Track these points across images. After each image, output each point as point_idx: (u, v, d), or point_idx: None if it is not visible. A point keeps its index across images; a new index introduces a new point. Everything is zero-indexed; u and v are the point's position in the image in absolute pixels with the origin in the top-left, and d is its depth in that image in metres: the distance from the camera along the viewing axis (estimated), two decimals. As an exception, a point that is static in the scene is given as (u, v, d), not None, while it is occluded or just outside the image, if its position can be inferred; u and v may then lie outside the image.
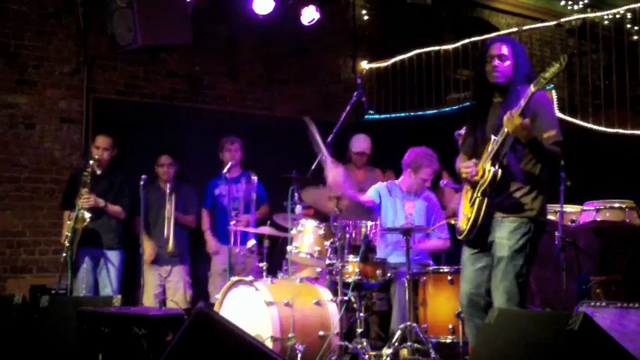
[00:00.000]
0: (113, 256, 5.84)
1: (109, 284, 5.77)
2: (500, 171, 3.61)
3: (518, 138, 3.56)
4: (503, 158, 3.65)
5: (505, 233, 3.67)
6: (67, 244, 5.47)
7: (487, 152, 3.68)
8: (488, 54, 3.77)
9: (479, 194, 3.68)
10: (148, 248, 5.93)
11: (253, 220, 6.00)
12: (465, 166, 3.75)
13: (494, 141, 3.64)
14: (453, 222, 4.94)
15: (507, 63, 3.71)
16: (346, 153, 6.57)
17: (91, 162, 5.70)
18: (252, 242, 5.53)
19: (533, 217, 3.68)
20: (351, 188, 6.26)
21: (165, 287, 6.11)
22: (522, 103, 3.50)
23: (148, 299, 5.88)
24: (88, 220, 5.53)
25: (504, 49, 3.72)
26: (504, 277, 3.64)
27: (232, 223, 5.67)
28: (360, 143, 6.54)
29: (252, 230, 5.77)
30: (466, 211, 3.80)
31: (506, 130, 3.54)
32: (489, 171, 3.62)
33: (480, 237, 3.77)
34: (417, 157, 5.51)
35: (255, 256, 5.87)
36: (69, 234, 5.49)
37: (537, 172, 3.71)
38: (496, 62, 3.72)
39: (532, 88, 3.48)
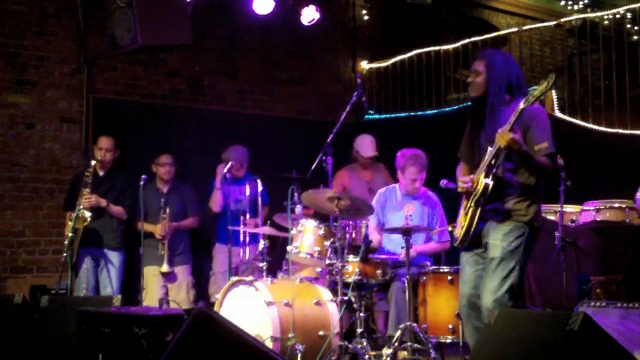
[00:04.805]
0: (114, 256, 5.85)
1: (109, 284, 5.78)
2: (492, 183, 3.70)
3: (510, 152, 3.65)
4: (497, 170, 3.72)
5: (499, 235, 3.74)
6: (67, 244, 5.47)
7: (482, 163, 3.76)
8: None
9: (472, 204, 3.78)
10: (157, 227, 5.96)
11: (261, 223, 5.90)
12: (462, 180, 3.86)
13: (489, 152, 3.72)
14: (450, 229, 4.97)
15: (480, 78, 3.84)
16: (350, 153, 6.45)
17: (93, 163, 5.71)
18: (262, 244, 5.43)
19: (528, 221, 3.75)
20: (360, 189, 6.28)
21: (167, 287, 6.08)
22: (512, 119, 3.59)
23: (151, 300, 5.84)
24: (88, 219, 5.55)
25: (477, 65, 3.87)
26: (494, 277, 3.69)
27: (241, 226, 5.62)
28: (367, 148, 6.31)
29: (252, 230, 5.76)
30: (462, 220, 3.89)
31: (498, 145, 3.63)
32: (482, 182, 3.71)
33: (475, 241, 3.84)
34: (402, 158, 5.57)
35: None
36: (70, 234, 5.50)
37: (533, 184, 3.77)
38: (470, 79, 3.90)
39: (522, 105, 3.58)
